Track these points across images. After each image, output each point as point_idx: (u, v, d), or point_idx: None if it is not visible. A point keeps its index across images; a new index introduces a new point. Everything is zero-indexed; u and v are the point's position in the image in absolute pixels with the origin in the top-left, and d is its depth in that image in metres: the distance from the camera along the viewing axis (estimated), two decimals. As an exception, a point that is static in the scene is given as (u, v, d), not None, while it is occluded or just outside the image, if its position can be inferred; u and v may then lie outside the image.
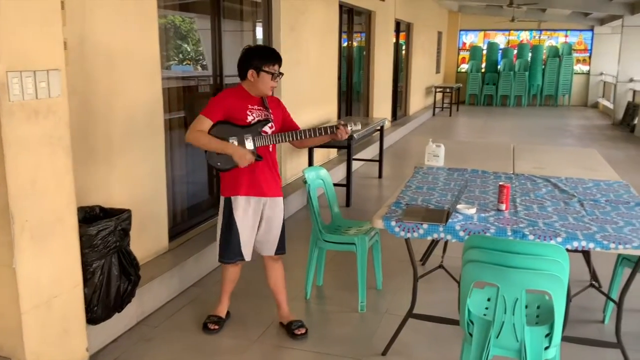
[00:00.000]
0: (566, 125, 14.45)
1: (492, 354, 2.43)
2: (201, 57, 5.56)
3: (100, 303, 3.06)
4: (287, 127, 3.31)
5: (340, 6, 8.01)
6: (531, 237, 2.76)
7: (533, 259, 2.25)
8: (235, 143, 3.12)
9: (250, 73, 3.15)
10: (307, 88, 6.70)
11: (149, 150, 3.90)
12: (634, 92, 13.75)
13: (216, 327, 3.43)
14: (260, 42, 5.89)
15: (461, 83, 18.78)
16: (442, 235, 2.91)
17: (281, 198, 3.33)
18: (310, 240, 3.85)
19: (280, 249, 3.38)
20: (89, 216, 3.19)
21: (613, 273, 3.50)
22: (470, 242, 2.39)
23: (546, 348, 2.40)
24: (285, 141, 3.23)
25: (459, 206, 3.12)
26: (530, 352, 2.36)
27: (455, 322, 3.14)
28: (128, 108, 3.64)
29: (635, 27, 13.52)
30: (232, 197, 3.24)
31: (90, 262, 3.00)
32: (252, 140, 3.14)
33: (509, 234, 2.81)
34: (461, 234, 2.87)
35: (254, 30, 6.10)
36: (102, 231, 3.01)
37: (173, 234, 4.30)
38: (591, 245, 2.69)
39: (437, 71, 18.20)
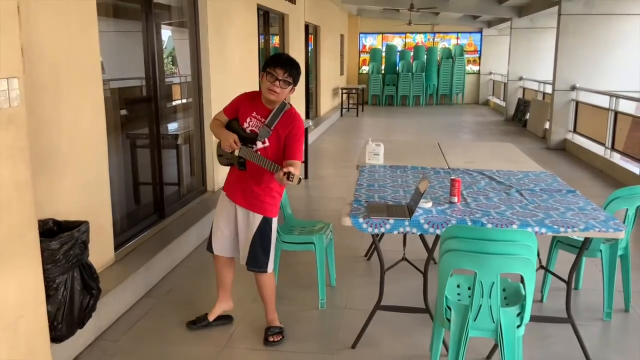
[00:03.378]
0: (464, 122, 15.35)
1: (470, 336, 2.61)
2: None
3: (65, 320, 2.94)
4: (286, 152, 3.15)
5: (257, 9, 8.03)
6: (489, 225, 2.98)
7: (507, 245, 2.46)
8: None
9: (260, 75, 3.19)
10: (233, 92, 6.63)
11: (93, 159, 3.76)
12: (524, 89, 14.86)
13: (195, 324, 3.52)
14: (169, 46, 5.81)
15: (363, 84, 19.36)
16: (407, 229, 3.06)
17: (258, 215, 3.24)
18: (267, 242, 3.87)
19: (250, 265, 3.29)
20: (43, 230, 3.03)
21: (549, 255, 3.83)
22: (448, 232, 2.56)
23: (517, 326, 2.61)
24: (259, 164, 3.10)
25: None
26: (505, 331, 2.56)
27: (422, 311, 3.32)
28: (73, 116, 3.50)
29: (522, 29, 14.62)
30: (222, 192, 3.42)
31: (53, 278, 2.86)
32: (240, 148, 3.18)
33: (469, 224, 3.01)
34: (425, 226, 3.04)
35: (158, 33, 5.94)
36: (64, 245, 2.89)
37: (116, 244, 4.16)
38: (543, 230, 2.95)
39: (342, 73, 18.64)
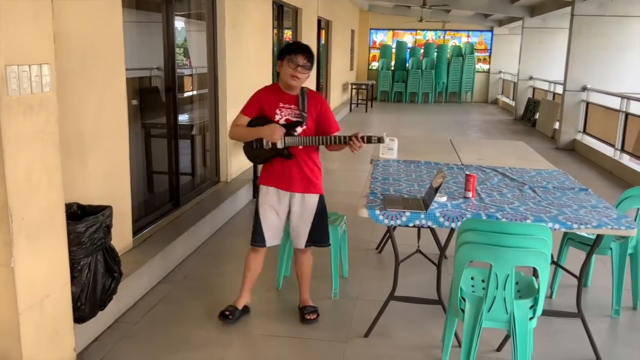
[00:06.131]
0: (472, 120, 15.38)
1: (483, 326, 2.68)
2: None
3: (88, 301, 3.02)
4: (321, 127, 3.33)
5: (272, 3, 8.09)
6: (504, 220, 3.04)
7: (523, 239, 2.52)
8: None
9: (278, 64, 3.28)
10: (247, 84, 6.72)
11: (115, 146, 3.83)
12: (534, 89, 14.87)
13: (231, 315, 3.48)
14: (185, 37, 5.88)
15: (373, 80, 19.40)
16: (423, 221, 3.13)
17: (313, 195, 3.40)
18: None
19: (312, 241, 3.47)
20: (68, 213, 3.11)
21: (559, 252, 3.89)
22: (465, 225, 2.63)
23: (530, 319, 2.68)
24: (311, 144, 3.28)
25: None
26: (518, 322, 2.62)
27: (434, 302, 3.39)
28: (96, 103, 3.58)
29: (534, 29, 14.60)
30: (263, 186, 3.45)
31: (77, 260, 2.95)
32: (282, 139, 3.23)
33: (484, 218, 3.08)
34: (441, 219, 3.10)
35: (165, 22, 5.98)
36: (89, 228, 2.97)
37: (134, 230, 4.24)
38: (557, 226, 3.01)
39: (351, 68, 18.68)
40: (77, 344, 3.03)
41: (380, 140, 3.25)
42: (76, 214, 3.18)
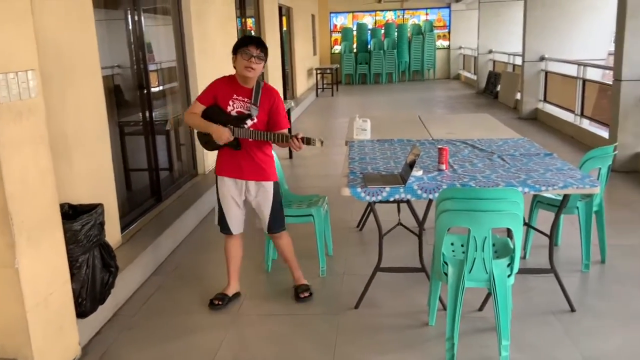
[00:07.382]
0: (437, 96, 15.65)
1: (466, 286, 2.88)
2: None
3: (88, 296, 3.13)
4: (271, 121, 3.42)
5: (234, -7, 8.14)
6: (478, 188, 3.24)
7: (497, 202, 2.72)
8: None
9: (232, 59, 3.37)
10: (215, 75, 6.80)
11: (97, 145, 3.91)
12: (494, 62, 15.20)
13: (220, 302, 3.62)
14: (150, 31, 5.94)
15: (336, 64, 19.52)
16: (402, 195, 3.31)
17: (266, 182, 3.50)
18: (268, 217, 4.10)
19: (274, 228, 3.59)
20: (61, 213, 3.20)
21: (530, 214, 4.12)
22: (443, 195, 2.81)
23: (508, 276, 2.89)
24: (257, 139, 3.36)
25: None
26: (497, 280, 2.83)
27: (418, 270, 3.59)
28: (76, 104, 3.64)
29: (490, 3, 14.88)
30: (219, 177, 3.56)
31: (76, 257, 3.05)
32: (232, 130, 3.35)
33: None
34: (419, 192, 3.29)
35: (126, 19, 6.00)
36: (85, 226, 3.08)
37: (122, 226, 4.33)
38: (526, 189, 3.22)
39: (314, 53, 18.76)
40: (80, 338, 3.15)
41: (313, 142, 3.26)
42: (68, 213, 3.26)
